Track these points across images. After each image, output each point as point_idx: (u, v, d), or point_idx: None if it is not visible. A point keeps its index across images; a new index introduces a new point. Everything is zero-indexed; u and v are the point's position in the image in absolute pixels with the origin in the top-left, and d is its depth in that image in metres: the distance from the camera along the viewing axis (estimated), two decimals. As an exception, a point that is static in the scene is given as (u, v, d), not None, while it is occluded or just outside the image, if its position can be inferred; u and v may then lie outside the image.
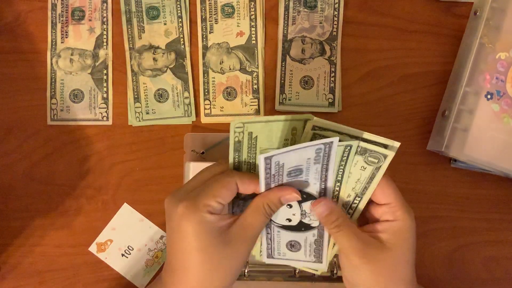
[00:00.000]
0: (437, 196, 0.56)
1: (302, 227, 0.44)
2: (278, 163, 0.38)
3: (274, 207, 0.41)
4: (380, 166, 0.40)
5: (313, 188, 0.42)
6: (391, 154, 0.39)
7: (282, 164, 0.39)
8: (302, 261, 0.45)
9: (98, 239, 0.57)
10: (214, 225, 0.39)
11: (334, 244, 0.44)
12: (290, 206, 0.43)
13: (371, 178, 0.41)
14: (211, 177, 0.41)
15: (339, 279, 0.53)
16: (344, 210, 0.43)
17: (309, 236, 0.44)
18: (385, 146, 0.39)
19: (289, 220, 0.43)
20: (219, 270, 0.40)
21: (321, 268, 0.45)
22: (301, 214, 0.43)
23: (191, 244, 0.39)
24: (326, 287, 0.53)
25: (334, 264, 0.53)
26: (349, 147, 0.39)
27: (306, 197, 0.43)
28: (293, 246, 0.45)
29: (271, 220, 0.44)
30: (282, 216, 0.43)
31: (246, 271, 0.52)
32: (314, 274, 0.52)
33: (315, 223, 0.43)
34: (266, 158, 0.37)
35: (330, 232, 0.42)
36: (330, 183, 0.41)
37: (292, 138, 0.41)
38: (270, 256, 0.46)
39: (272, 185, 0.41)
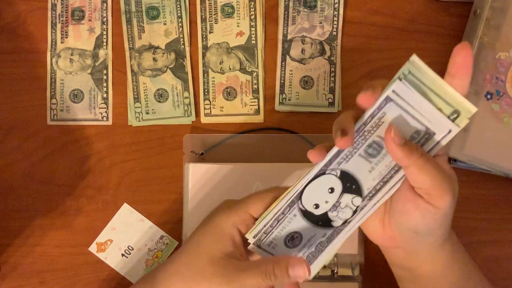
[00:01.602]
0: (437, 196, 0.56)
1: (321, 221, 0.40)
2: (383, 117, 0.36)
3: (280, 278, 0.38)
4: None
5: (368, 183, 0.39)
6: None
7: (382, 122, 0.36)
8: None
9: (98, 239, 0.57)
10: (231, 240, 0.40)
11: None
12: (332, 190, 0.40)
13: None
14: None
15: (340, 279, 0.53)
16: None
17: (318, 236, 0.41)
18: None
19: (317, 206, 0.40)
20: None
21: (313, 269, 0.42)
22: (333, 205, 0.40)
23: (209, 244, 0.40)
24: (326, 287, 0.53)
25: (335, 264, 0.53)
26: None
27: (354, 188, 0.39)
28: (292, 240, 0.41)
29: (300, 199, 0.40)
30: (314, 198, 0.40)
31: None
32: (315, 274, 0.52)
33: (337, 223, 0.40)
34: (390, 94, 0.35)
35: (417, 164, 0.35)
36: (388, 189, 0.39)
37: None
38: (257, 243, 0.41)
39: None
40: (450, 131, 0.36)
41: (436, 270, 0.41)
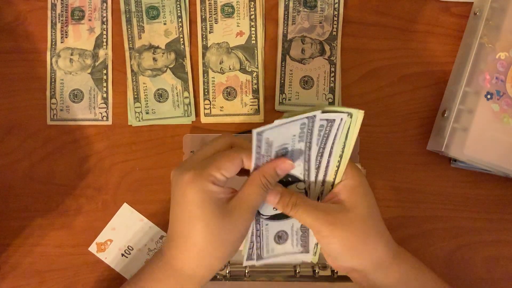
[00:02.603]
0: (437, 196, 0.56)
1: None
2: (268, 140, 0.40)
3: (270, 178, 0.42)
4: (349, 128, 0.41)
5: (298, 170, 0.43)
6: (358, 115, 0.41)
7: (271, 141, 0.40)
8: (291, 253, 0.46)
9: (98, 239, 0.57)
10: (216, 196, 0.41)
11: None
12: None
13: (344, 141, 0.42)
14: (219, 151, 0.43)
15: (340, 279, 0.53)
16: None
17: (296, 222, 0.45)
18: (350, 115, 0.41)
19: (276, 208, 0.45)
20: (218, 241, 0.41)
21: (309, 258, 0.46)
22: None
23: (192, 212, 0.41)
24: (326, 287, 0.53)
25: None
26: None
27: (291, 180, 0.44)
28: (280, 237, 0.46)
29: (259, 213, 0.45)
30: (269, 206, 0.44)
31: (246, 271, 0.52)
32: (315, 274, 0.53)
33: None
34: (258, 134, 0.39)
35: (291, 215, 0.43)
36: (312, 163, 0.43)
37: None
38: (259, 257, 0.46)
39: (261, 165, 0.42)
40: (341, 119, 0.40)
41: (392, 285, 0.44)
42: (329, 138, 0.42)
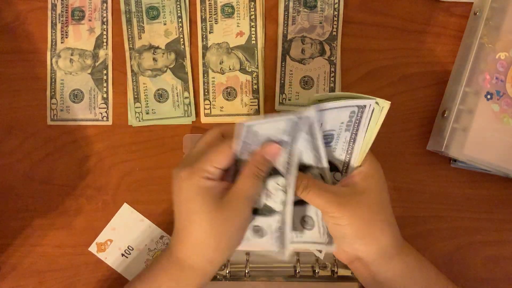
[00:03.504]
0: (437, 196, 0.56)
1: (266, 211, 0.45)
2: (255, 133, 0.41)
3: (261, 166, 0.43)
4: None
5: (279, 162, 0.44)
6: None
7: (257, 133, 0.41)
8: (266, 249, 0.47)
9: (98, 239, 0.57)
10: (211, 191, 0.42)
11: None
12: None
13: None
14: (210, 144, 0.44)
15: (340, 279, 0.53)
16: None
17: (273, 223, 0.46)
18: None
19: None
20: (215, 233, 0.42)
21: (283, 257, 0.46)
22: (266, 195, 0.45)
23: (190, 208, 0.42)
24: (326, 287, 0.53)
25: (335, 264, 0.53)
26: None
27: (272, 173, 0.45)
28: (257, 231, 0.46)
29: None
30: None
31: (246, 271, 0.52)
32: (315, 274, 0.53)
33: (278, 207, 0.45)
34: (247, 127, 0.40)
35: (302, 197, 0.44)
36: (296, 158, 0.43)
37: (347, 122, 0.44)
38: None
39: (245, 155, 0.43)
40: (370, 106, 0.42)
41: (395, 278, 0.44)
42: (361, 124, 0.43)
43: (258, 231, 0.46)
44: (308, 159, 0.45)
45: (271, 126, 0.41)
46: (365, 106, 0.42)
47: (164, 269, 0.44)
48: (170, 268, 0.44)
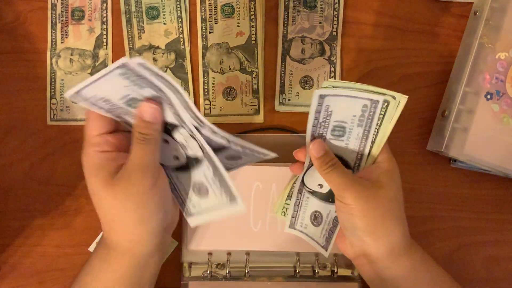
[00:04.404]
0: (437, 196, 0.56)
1: (192, 161, 0.43)
2: (97, 97, 0.39)
3: (144, 129, 0.40)
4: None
5: (168, 115, 0.41)
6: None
7: (104, 97, 0.39)
8: (218, 207, 0.44)
9: (98, 239, 0.57)
10: (106, 167, 0.40)
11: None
12: (167, 141, 0.43)
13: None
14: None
15: (340, 279, 0.53)
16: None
17: (206, 171, 0.43)
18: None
19: (177, 158, 0.44)
20: (122, 209, 0.40)
21: (239, 209, 0.43)
22: (182, 147, 0.43)
23: (90, 189, 0.41)
24: (326, 287, 0.53)
25: (335, 264, 0.53)
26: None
27: (170, 128, 0.42)
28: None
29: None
30: (168, 156, 0.44)
31: (246, 271, 0.52)
32: (315, 274, 0.53)
33: (199, 153, 0.43)
34: (74, 94, 0.38)
35: (324, 173, 0.44)
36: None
37: (360, 116, 0.44)
38: (188, 213, 0.46)
39: (126, 117, 0.42)
40: (385, 101, 0.42)
41: (401, 276, 0.44)
42: (374, 120, 0.43)
43: (200, 189, 0.44)
44: (169, 116, 0.42)
45: (104, 86, 0.38)
46: (378, 101, 0.42)
47: (96, 252, 0.44)
48: (101, 251, 0.43)
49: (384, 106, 0.43)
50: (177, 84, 0.37)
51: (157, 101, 0.40)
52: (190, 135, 0.42)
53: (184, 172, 0.44)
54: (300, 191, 0.49)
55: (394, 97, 0.42)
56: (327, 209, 0.48)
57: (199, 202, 0.45)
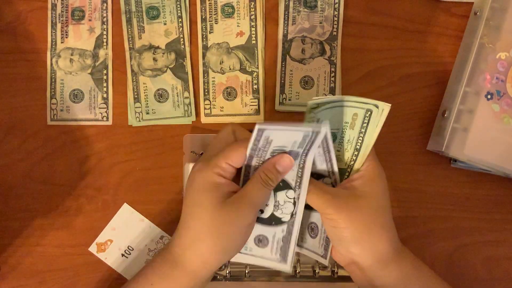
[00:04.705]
0: (437, 196, 0.56)
1: (272, 220, 0.45)
2: (268, 138, 0.41)
3: (270, 174, 0.43)
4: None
5: (290, 175, 0.44)
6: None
7: (270, 140, 0.41)
8: (267, 259, 0.46)
9: (98, 239, 0.57)
10: (220, 188, 0.42)
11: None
12: None
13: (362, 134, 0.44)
14: (225, 141, 0.44)
15: (340, 279, 0.53)
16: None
17: (278, 232, 0.45)
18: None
19: (262, 211, 0.45)
20: (212, 231, 0.41)
21: (285, 269, 0.45)
22: (274, 206, 0.45)
23: (195, 199, 0.42)
24: (326, 287, 0.53)
25: (335, 264, 0.53)
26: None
27: (282, 185, 0.44)
28: (260, 241, 0.46)
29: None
30: (267, 207, 0.45)
31: (246, 271, 0.52)
32: (315, 274, 0.53)
33: (286, 218, 0.45)
34: (259, 130, 0.39)
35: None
36: (307, 171, 0.43)
37: (351, 123, 0.43)
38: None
39: (255, 159, 0.43)
40: (368, 111, 0.43)
41: (391, 284, 0.44)
42: (369, 126, 0.43)
43: (261, 240, 0.46)
44: (321, 169, 0.45)
45: (286, 135, 0.41)
46: (371, 110, 0.42)
47: (157, 267, 0.44)
48: (163, 266, 0.43)
49: (367, 115, 0.42)
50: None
51: (292, 156, 0.43)
52: (294, 200, 0.44)
53: (257, 223, 0.46)
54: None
55: (377, 106, 0.42)
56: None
57: (252, 248, 0.46)
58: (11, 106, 0.58)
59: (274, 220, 0.45)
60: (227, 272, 0.53)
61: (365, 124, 0.43)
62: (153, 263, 0.45)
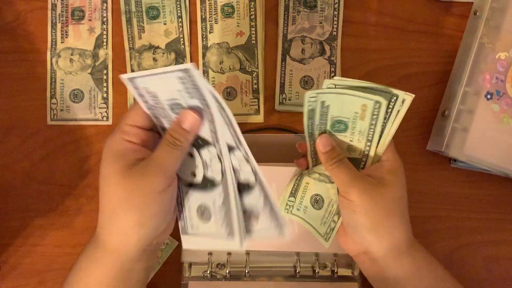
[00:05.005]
0: (437, 196, 0.56)
1: (207, 183, 0.43)
2: (147, 90, 0.39)
3: (177, 135, 0.40)
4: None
5: (205, 132, 0.41)
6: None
7: (152, 91, 0.39)
8: (215, 236, 0.43)
9: (98, 239, 0.57)
10: (127, 155, 0.40)
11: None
12: (191, 155, 0.42)
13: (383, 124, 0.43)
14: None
15: (340, 279, 0.53)
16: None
17: (217, 198, 0.42)
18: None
19: (194, 174, 0.43)
20: (126, 204, 0.38)
21: (235, 245, 0.42)
22: (203, 166, 0.42)
23: (102, 172, 0.40)
24: (326, 287, 0.53)
25: (335, 264, 0.53)
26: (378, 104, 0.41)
27: (201, 143, 0.42)
28: (203, 213, 0.43)
29: (178, 177, 0.42)
30: (187, 170, 0.43)
31: (246, 271, 0.52)
32: (315, 274, 0.53)
33: (218, 177, 0.42)
34: (129, 79, 0.38)
35: (330, 168, 0.43)
36: (220, 125, 0.40)
37: (361, 114, 0.43)
38: (184, 231, 0.44)
39: (165, 121, 0.41)
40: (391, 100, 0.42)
41: (402, 275, 0.43)
42: (379, 118, 0.42)
43: (204, 212, 0.43)
44: (204, 132, 0.41)
45: (162, 82, 0.38)
46: (380, 102, 0.41)
47: (85, 250, 0.42)
48: (89, 247, 0.42)
49: (391, 105, 0.42)
50: (224, 102, 0.38)
51: (199, 113, 0.40)
52: (218, 157, 0.41)
53: (194, 190, 0.43)
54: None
55: (398, 96, 0.42)
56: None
57: (198, 225, 0.44)
58: (11, 106, 0.58)
59: (208, 182, 0.43)
60: (227, 272, 0.53)
61: (375, 116, 0.42)
62: (85, 249, 0.43)
